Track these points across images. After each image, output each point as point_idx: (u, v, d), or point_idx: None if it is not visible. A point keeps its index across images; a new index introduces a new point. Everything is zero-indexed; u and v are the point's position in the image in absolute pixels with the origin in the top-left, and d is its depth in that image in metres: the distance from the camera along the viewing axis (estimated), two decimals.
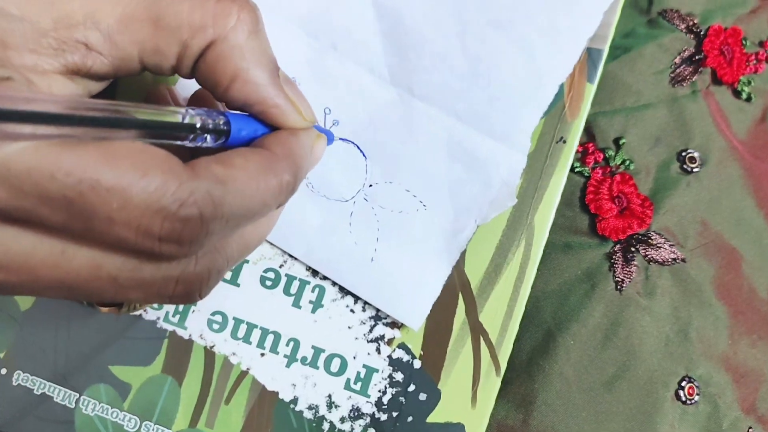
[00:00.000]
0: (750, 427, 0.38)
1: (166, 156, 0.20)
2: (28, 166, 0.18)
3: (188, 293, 0.22)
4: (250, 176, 0.22)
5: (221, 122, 0.23)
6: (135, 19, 0.22)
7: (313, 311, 0.35)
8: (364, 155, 0.35)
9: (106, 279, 0.20)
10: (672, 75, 0.41)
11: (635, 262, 0.38)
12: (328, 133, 0.32)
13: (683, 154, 0.40)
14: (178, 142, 0.22)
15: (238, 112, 0.25)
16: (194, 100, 0.29)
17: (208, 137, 0.22)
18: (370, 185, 0.35)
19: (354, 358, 0.34)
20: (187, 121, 0.21)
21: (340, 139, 0.35)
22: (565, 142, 0.35)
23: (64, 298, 0.22)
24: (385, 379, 0.34)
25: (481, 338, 0.34)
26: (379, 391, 0.34)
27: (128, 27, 0.22)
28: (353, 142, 0.35)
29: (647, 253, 0.38)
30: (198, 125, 0.22)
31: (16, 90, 0.19)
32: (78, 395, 0.34)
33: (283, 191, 0.23)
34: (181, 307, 0.35)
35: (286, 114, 0.25)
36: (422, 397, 0.34)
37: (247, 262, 0.35)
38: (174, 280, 0.21)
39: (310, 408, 0.34)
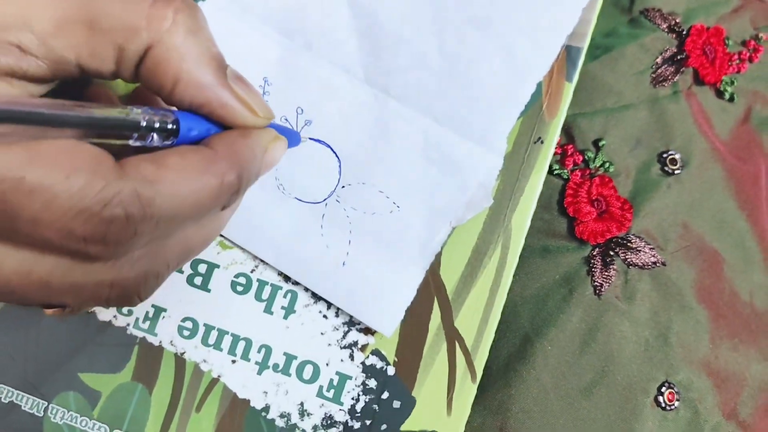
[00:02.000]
0: None
1: (96, 154, 0.19)
2: None
3: (124, 297, 0.22)
4: (185, 176, 0.21)
5: (169, 120, 0.22)
6: (69, 22, 0.22)
7: (285, 317, 0.34)
8: (337, 156, 0.34)
9: (38, 283, 0.20)
10: (653, 75, 0.40)
11: (614, 266, 0.38)
12: (295, 134, 0.30)
13: (664, 155, 0.39)
14: (123, 142, 0.21)
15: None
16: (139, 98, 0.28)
17: (155, 136, 0.22)
18: (343, 186, 0.34)
19: (327, 365, 0.34)
20: (130, 118, 0.21)
21: (312, 139, 0.35)
22: (542, 142, 0.35)
23: None
24: (359, 386, 0.33)
25: (457, 344, 0.33)
26: (353, 398, 0.33)
27: (63, 30, 0.22)
28: (326, 143, 0.35)
29: (627, 256, 0.38)
30: (143, 124, 0.21)
31: None
32: (47, 403, 0.34)
33: (224, 192, 0.22)
34: (151, 314, 0.34)
35: (236, 113, 0.24)
36: (396, 404, 0.33)
37: (218, 267, 0.34)
38: (108, 284, 0.21)
39: (282, 416, 0.33)
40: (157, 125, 0.21)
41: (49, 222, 0.18)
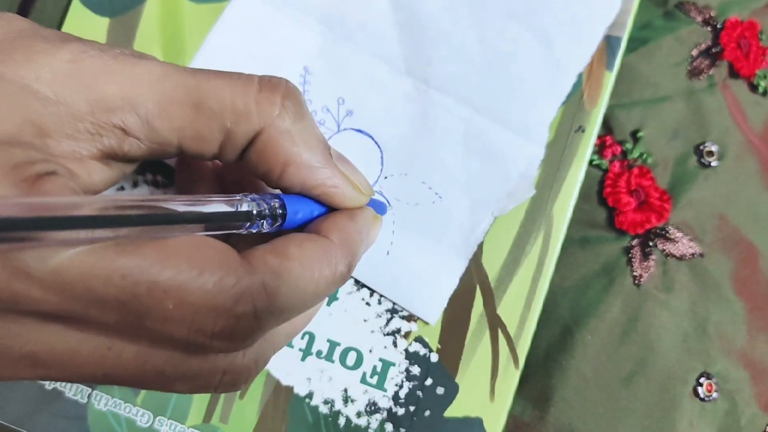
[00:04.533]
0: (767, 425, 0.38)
1: (224, 250, 0.19)
2: (81, 271, 0.17)
3: (233, 383, 0.22)
4: (305, 267, 0.21)
5: (277, 206, 0.23)
6: (175, 104, 0.21)
7: (329, 304, 0.34)
8: (379, 147, 0.35)
9: (152, 373, 0.20)
10: (689, 68, 0.40)
11: (653, 257, 0.38)
12: (382, 204, 0.31)
13: (701, 147, 0.39)
14: (234, 231, 0.21)
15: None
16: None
17: (264, 223, 0.22)
18: (385, 177, 0.35)
19: (370, 351, 0.34)
20: (242, 209, 0.21)
21: (354, 130, 0.35)
22: (583, 131, 0.35)
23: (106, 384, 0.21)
24: (402, 372, 0.34)
25: (500, 331, 0.33)
26: (396, 385, 0.33)
27: (167, 111, 0.21)
28: (368, 134, 0.35)
29: (665, 247, 0.38)
30: (254, 212, 0.21)
31: (62, 186, 0.18)
32: (90, 390, 0.34)
33: (336, 282, 0.23)
34: None
35: (345, 194, 0.24)
36: (440, 390, 0.33)
37: None
38: (221, 372, 0.21)
39: (325, 402, 0.33)
40: (266, 212, 0.22)
41: (179, 320, 0.18)
